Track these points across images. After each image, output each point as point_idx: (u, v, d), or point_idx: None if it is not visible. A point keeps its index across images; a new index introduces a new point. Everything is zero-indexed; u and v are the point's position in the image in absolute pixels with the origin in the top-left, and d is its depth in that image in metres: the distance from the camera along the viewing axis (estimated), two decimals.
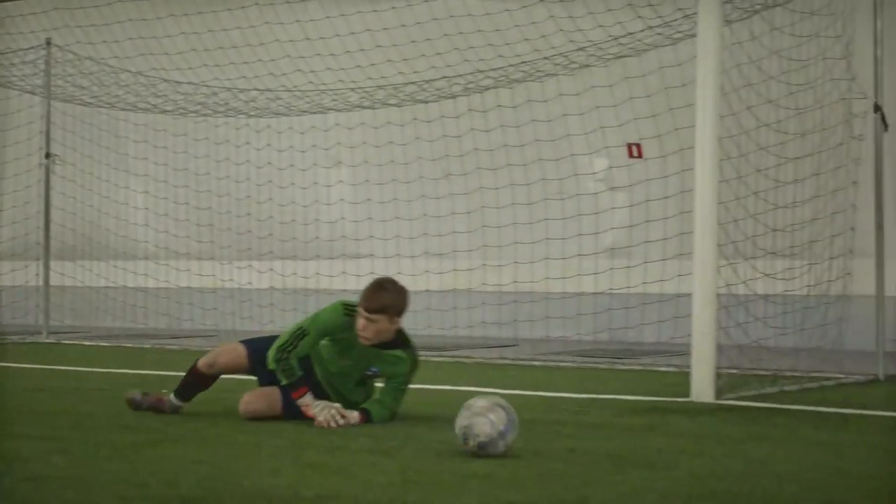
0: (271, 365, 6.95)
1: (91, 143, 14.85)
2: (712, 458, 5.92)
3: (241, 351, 7.16)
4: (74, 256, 15.64)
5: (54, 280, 14.89)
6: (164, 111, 13.38)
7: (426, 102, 11.99)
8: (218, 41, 11.85)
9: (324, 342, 7.00)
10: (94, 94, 13.23)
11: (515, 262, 12.23)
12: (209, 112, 12.92)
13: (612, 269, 11.65)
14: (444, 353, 11.63)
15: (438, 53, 10.95)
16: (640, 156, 11.73)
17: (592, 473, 5.42)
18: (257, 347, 7.12)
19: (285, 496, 4.84)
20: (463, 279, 12.46)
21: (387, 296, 6.74)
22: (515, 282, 12.20)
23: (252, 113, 12.79)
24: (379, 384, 7.19)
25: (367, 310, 6.70)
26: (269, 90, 12.18)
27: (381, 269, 12.85)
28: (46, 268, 14.46)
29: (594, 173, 12.15)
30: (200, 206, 14.17)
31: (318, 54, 11.39)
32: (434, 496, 4.86)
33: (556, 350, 11.68)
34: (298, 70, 11.62)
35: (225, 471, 5.44)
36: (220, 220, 13.98)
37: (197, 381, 7.29)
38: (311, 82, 11.87)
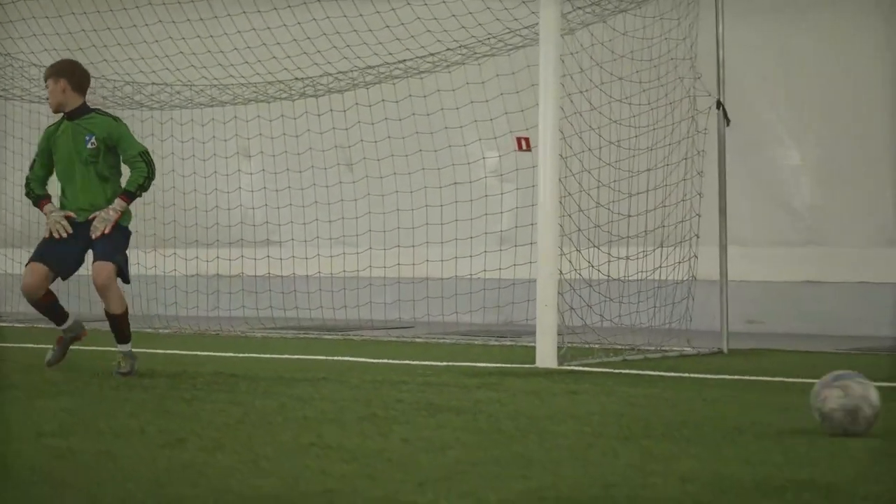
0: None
1: (14, 139, 15.34)
2: (519, 406, 6.78)
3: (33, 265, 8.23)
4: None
5: None
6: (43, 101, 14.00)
7: (315, 97, 12.80)
8: (116, 38, 12.56)
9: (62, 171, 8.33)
10: (3, 87, 13.85)
11: (398, 246, 13.00)
12: (112, 106, 13.57)
13: (485, 251, 12.49)
14: (337, 332, 12.37)
15: (319, 51, 11.72)
16: (528, 148, 12.47)
17: (406, 416, 6.26)
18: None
19: (130, 431, 5.67)
20: (352, 263, 13.22)
21: (51, 67, 8.48)
22: (399, 264, 12.99)
23: (154, 106, 13.51)
24: None
25: (44, 79, 8.44)
26: (167, 84, 12.91)
27: (277, 254, 13.64)
28: None
29: (472, 163, 12.99)
30: None
31: (209, 51, 12.13)
32: (262, 432, 5.70)
33: (442, 331, 12.38)
34: (192, 66, 12.36)
35: (85, 415, 6.26)
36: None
37: (45, 308, 8.38)
38: (205, 78, 12.62)
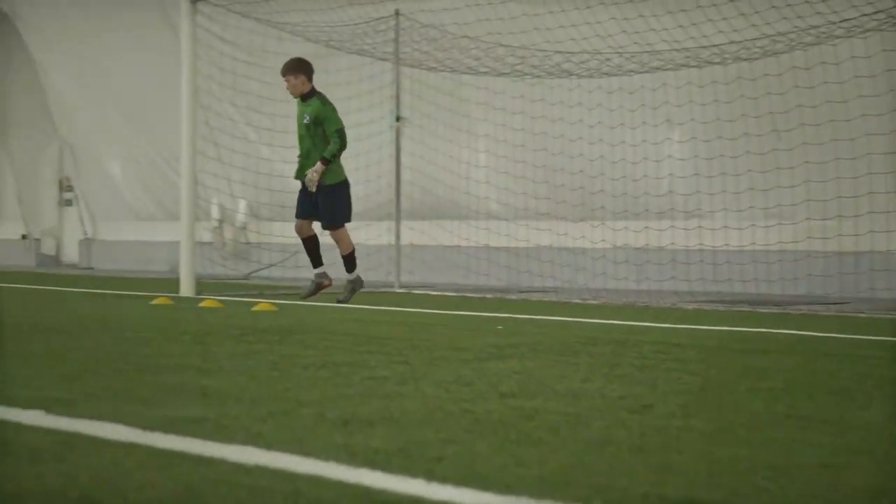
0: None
1: (436, 106, 15.74)
2: None
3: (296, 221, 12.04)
4: (423, 215, 16.53)
5: (406, 237, 15.83)
6: (502, 74, 14.13)
7: (749, 60, 12.28)
8: (547, 6, 12.51)
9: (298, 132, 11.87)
10: (438, 59, 14.12)
11: (839, 217, 12.34)
12: (542, 74, 13.56)
13: None
14: (772, 306, 11.84)
15: (756, 12, 11.24)
16: None
17: (885, 390, 5.79)
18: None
19: (589, 394, 5.48)
20: (788, 234, 12.66)
21: (289, 66, 11.74)
22: (839, 235, 12.32)
23: (583, 74, 13.37)
24: None
25: (283, 74, 11.79)
26: (598, 52, 12.72)
27: (709, 224, 13.24)
28: (398, 225, 15.42)
29: None
30: (537, 165, 14.85)
31: (641, 16, 11.85)
32: (729, 401, 5.39)
33: (891, 307, 11.61)
34: (623, 31, 12.12)
35: (540, 377, 6.13)
36: (554, 178, 14.63)
37: (308, 248, 12.04)
38: (637, 43, 12.35)
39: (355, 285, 12.02)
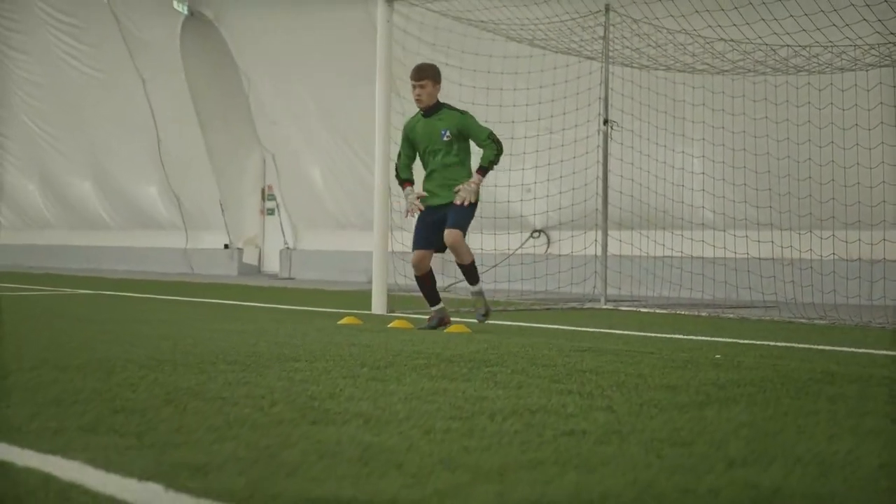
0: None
1: (647, 108, 14.72)
2: None
3: (417, 252, 10.41)
4: (632, 225, 15.55)
5: (612, 248, 14.87)
6: (722, 72, 13.00)
7: None
8: None
9: (423, 158, 10.33)
10: (651, 56, 13.07)
11: None
12: (767, 70, 12.38)
13: None
14: None
15: None
16: None
17: None
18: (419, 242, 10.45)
19: (835, 459, 4.40)
20: None
21: (424, 71, 10.22)
22: None
23: (814, 70, 12.14)
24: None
25: (412, 79, 10.21)
26: (832, 45, 11.47)
27: None
28: (605, 235, 14.43)
29: None
30: (759, 171, 13.70)
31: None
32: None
33: None
34: (863, 20, 10.87)
35: (773, 431, 5.06)
36: (778, 185, 13.45)
37: (424, 286, 10.51)
38: (878, 32, 11.08)
39: (483, 296, 10.58)
